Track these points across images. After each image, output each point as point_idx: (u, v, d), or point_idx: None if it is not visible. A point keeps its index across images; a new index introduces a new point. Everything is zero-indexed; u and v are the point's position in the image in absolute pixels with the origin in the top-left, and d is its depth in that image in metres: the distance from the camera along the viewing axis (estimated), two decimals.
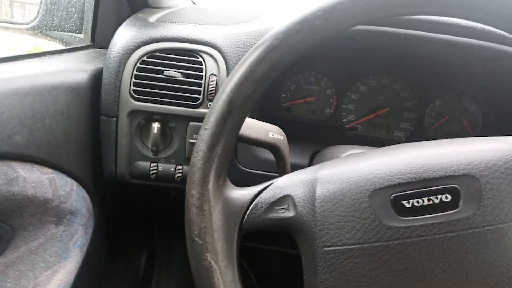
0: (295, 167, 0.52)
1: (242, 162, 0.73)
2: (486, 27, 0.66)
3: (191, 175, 0.41)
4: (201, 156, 0.41)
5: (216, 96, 0.42)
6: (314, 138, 0.84)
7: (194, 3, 1.09)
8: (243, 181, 0.51)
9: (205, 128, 0.41)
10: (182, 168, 0.71)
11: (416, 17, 0.67)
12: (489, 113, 0.86)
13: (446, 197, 0.38)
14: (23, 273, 0.61)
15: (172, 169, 0.71)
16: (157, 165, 0.71)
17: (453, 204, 0.38)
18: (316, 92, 0.88)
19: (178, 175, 0.71)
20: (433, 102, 0.88)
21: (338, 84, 0.88)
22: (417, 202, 0.38)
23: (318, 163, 0.47)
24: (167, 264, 1.24)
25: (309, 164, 0.76)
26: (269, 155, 0.72)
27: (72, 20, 0.81)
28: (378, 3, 0.40)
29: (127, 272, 1.10)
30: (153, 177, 0.71)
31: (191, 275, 0.42)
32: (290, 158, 0.60)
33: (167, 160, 0.71)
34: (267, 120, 0.57)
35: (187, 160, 0.71)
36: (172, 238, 1.26)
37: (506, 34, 0.64)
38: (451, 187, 0.38)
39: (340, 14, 0.40)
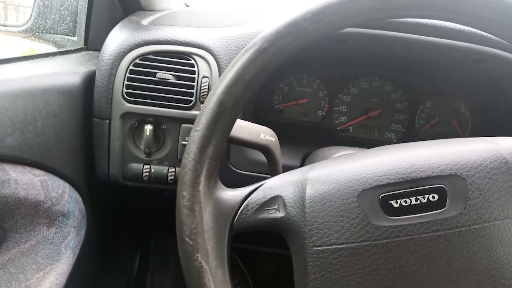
0: (287, 169, 0.53)
1: (235, 163, 0.73)
2: (473, 30, 0.67)
3: (182, 176, 0.41)
4: (192, 157, 0.41)
5: (207, 98, 0.42)
6: (306, 140, 0.84)
7: (187, 6, 1.09)
8: (235, 182, 0.52)
9: (196, 130, 0.41)
10: (175, 170, 0.71)
11: (405, 19, 0.68)
12: (478, 114, 0.88)
13: (433, 197, 0.39)
14: (14, 275, 0.61)
15: (164, 171, 0.71)
16: (150, 167, 0.71)
17: (440, 204, 0.39)
18: (308, 94, 0.89)
19: (170, 177, 0.71)
20: (423, 103, 0.89)
21: (330, 86, 0.89)
22: (405, 201, 0.39)
23: (310, 164, 0.48)
24: (161, 266, 1.24)
25: (301, 166, 0.76)
26: (261, 157, 0.72)
27: (65, 22, 0.82)
28: (366, 6, 0.40)
29: (120, 273, 1.10)
30: (145, 179, 0.72)
31: None
32: (283, 159, 0.60)
33: (159, 162, 0.72)
34: (260, 122, 0.58)
35: (179, 162, 0.71)
36: (166, 239, 1.26)
37: (492, 36, 0.65)
38: (438, 187, 0.39)
39: (329, 16, 0.41)
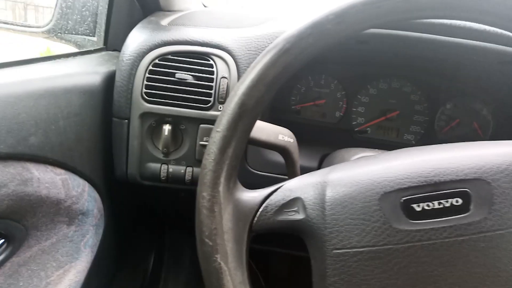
0: (305, 170, 0.52)
1: (252, 164, 0.73)
2: (499, 30, 0.65)
3: (202, 177, 0.41)
4: (213, 158, 0.41)
5: (228, 99, 0.42)
6: (324, 141, 0.83)
7: (205, 6, 1.10)
8: (252, 183, 0.52)
9: (217, 131, 0.42)
10: (192, 170, 0.72)
11: (428, 20, 0.67)
12: (501, 116, 0.86)
13: (457, 201, 0.38)
14: (35, 272, 0.62)
15: (182, 171, 0.72)
16: (168, 166, 0.72)
17: (464, 208, 0.38)
18: (326, 95, 0.88)
19: (188, 177, 0.72)
20: (444, 105, 0.87)
21: (348, 87, 0.88)
22: (428, 205, 0.38)
23: (328, 166, 0.48)
24: (175, 266, 1.25)
25: (319, 167, 0.76)
26: (278, 158, 0.72)
27: (86, 23, 0.83)
28: (389, 7, 0.40)
29: (135, 271, 1.11)
30: (163, 178, 0.72)
31: (199, 277, 0.42)
32: (300, 160, 0.60)
33: (177, 162, 0.72)
34: (277, 123, 0.58)
35: (197, 162, 0.72)
36: (181, 239, 1.27)
37: None
38: (462, 191, 0.38)
39: (351, 17, 0.40)
